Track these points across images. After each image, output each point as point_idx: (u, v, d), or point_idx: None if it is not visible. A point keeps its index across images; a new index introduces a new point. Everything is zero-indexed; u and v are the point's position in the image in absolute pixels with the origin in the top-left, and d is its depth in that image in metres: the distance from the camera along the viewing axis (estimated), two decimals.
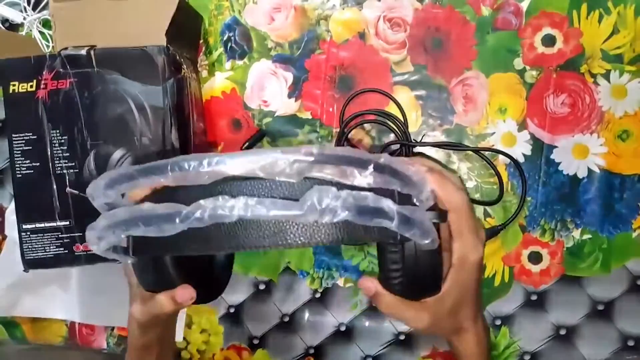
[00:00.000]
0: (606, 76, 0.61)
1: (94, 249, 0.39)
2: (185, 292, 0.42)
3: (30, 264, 0.58)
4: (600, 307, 0.62)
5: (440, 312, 0.43)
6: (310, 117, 0.65)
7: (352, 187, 0.34)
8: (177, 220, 0.33)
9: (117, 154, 0.56)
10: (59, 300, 0.70)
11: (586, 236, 0.62)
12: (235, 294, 0.68)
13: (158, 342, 0.51)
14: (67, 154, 0.57)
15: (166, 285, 0.42)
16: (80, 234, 0.57)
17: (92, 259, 0.57)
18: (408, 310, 0.42)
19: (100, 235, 0.38)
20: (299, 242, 0.34)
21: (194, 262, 0.40)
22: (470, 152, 0.63)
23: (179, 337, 0.68)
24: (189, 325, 0.69)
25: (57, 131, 0.56)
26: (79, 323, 0.71)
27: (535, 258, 0.63)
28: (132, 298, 0.48)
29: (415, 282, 0.40)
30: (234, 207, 0.32)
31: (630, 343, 0.62)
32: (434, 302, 0.42)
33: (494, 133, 0.63)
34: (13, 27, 0.71)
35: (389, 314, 0.43)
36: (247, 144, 0.65)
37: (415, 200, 0.37)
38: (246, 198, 0.33)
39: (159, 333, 0.50)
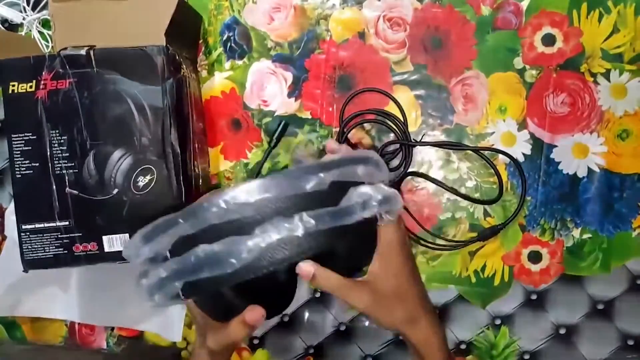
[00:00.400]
0: (606, 75, 0.61)
1: (152, 304, 0.41)
2: (254, 313, 0.43)
3: (30, 264, 0.58)
4: (600, 307, 0.62)
5: (381, 292, 0.45)
6: (310, 116, 0.65)
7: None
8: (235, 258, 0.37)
9: (117, 154, 0.56)
10: (59, 300, 0.70)
11: (586, 235, 0.62)
12: None
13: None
14: (67, 154, 0.56)
15: (233, 311, 0.43)
16: (80, 234, 0.57)
17: (92, 259, 0.57)
18: (350, 289, 0.43)
19: (160, 287, 0.39)
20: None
21: (253, 283, 0.41)
22: (470, 152, 0.63)
23: (177, 337, 0.68)
24: (189, 325, 0.69)
25: (57, 131, 0.56)
26: (79, 323, 0.71)
27: (535, 257, 0.63)
28: (200, 330, 0.49)
29: (353, 253, 0.43)
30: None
31: (630, 342, 0.62)
32: (371, 282, 0.44)
33: (493, 132, 0.62)
34: (12, 27, 0.71)
35: (331, 292, 0.43)
36: (274, 141, 0.65)
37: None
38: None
39: (228, 358, 0.52)
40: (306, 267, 0.40)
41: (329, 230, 0.37)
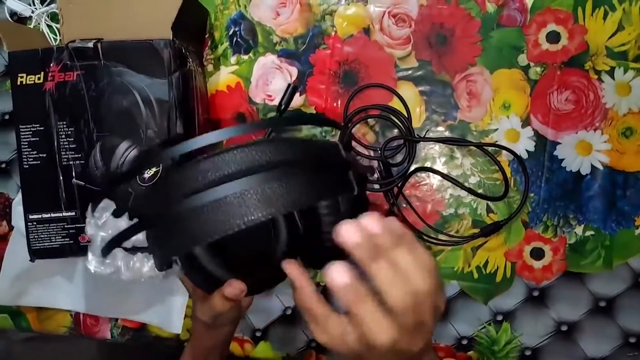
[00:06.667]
0: (610, 73, 0.61)
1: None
2: (233, 287, 0.42)
3: (36, 253, 0.58)
4: (602, 304, 0.62)
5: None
6: (314, 111, 0.66)
7: None
8: None
9: (123, 145, 0.57)
10: (64, 290, 0.70)
11: (589, 233, 0.62)
12: None
13: (223, 343, 0.53)
14: (74, 146, 0.57)
15: (216, 281, 0.43)
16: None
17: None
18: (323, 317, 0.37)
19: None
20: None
21: (238, 256, 0.40)
22: (473, 148, 0.63)
23: (177, 329, 0.68)
24: (191, 317, 0.69)
25: (64, 123, 0.57)
26: (84, 313, 0.72)
27: (538, 254, 0.63)
28: (193, 302, 0.49)
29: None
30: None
31: (632, 340, 0.62)
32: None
33: (497, 129, 0.63)
34: (21, 20, 0.71)
35: (300, 307, 0.38)
36: (283, 106, 0.63)
37: None
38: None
39: (225, 334, 0.52)
40: (291, 266, 0.37)
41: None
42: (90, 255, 0.39)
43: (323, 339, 0.36)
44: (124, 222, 0.41)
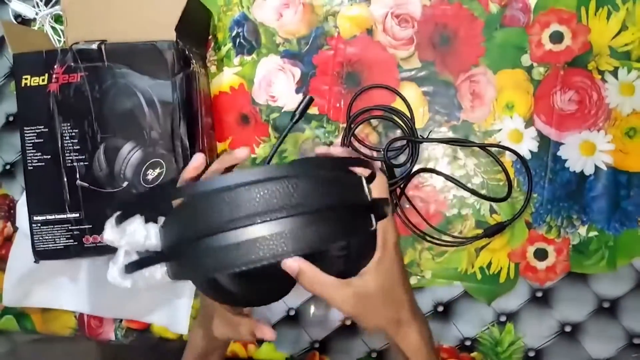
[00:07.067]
0: (614, 73, 0.60)
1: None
2: (267, 332, 0.45)
3: (40, 254, 0.59)
4: (606, 305, 0.62)
5: (368, 295, 0.42)
6: (317, 112, 0.66)
7: None
8: None
9: (127, 147, 0.57)
10: (69, 291, 0.71)
11: (592, 233, 0.62)
12: None
13: (223, 346, 0.55)
14: (78, 147, 0.57)
15: (230, 296, 0.44)
16: (90, 226, 0.58)
17: (101, 250, 0.58)
18: (334, 288, 0.41)
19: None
20: None
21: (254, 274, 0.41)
22: (476, 149, 0.63)
23: (184, 330, 0.68)
24: (195, 317, 0.69)
25: (68, 124, 0.57)
26: (88, 314, 0.72)
27: (541, 255, 0.63)
28: (205, 313, 0.50)
29: (356, 260, 0.41)
30: None
31: (636, 341, 0.62)
32: (361, 284, 0.41)
33: (500, 129, 0.63)
34: (26, 22, 0.72)
35: (313, 291, 0.40)
36: (297, 114, 0.60)
37: None
38: None
39: (224, 344, 0.54)
40: (291, 263, 0.38)
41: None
42: (111, 265, 0.39)
43: (347, 308, 0.41)
44: (144, 237, 0.41)
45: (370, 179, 0.41)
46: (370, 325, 0.44)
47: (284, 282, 0.48)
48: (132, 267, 0.38)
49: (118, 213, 0.39)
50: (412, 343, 0.44)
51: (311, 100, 0.60)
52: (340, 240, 0.40)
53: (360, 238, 0.41)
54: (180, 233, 0.37)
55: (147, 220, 0.39)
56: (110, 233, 0.39)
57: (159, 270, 0.39)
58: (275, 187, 0.34)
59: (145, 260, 0.38)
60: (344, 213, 0.37)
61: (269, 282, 0.46)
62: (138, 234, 0.38)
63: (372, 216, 0.39)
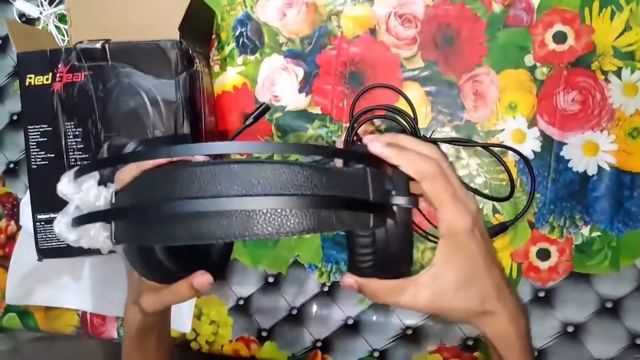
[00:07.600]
0: (617, 73, 0.60)
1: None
2: (203, 279, 0.41)
3: (44, 253, 0.59)
4: (609, 305, 0.62)
5: (441, 288, 0.39)
6: (320, 112, 0.66)
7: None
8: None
9: (130, 146, 0.57)
10: (72, 290, 0.71)
11: (595, 233, 0.62)
12: (245, 287, 0.69)
13: (160, 322, 0.52)
14: (82, 146, 0.58)
15: (163, 272, 0.42)
16: None
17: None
18: (401, 293, 0.38)
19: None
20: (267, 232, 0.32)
21: (190, 248, 0.39)
22: (479, 149, 0.63)
23: (187, 328, 0.68)
24: (198, 316, 0.69)
25: (72, 123, 0.58)
26: (91, 313, 0.72)
27: (544, 255, 0.63)
28: (135, 290, 0.47)
29: (387, 260, 0.38)
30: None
31: (639, 341, 0.62)
32: (430, 278, 0.38)
33: (503, 129, 0.63)
34: (30, 21, 0.72)
35: (380, 302, 0.39)
36: (251, 118, 0.63)
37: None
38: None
39: (160, 317, 0.50)
40: (348, 280, 0.38)
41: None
42: (60, 217, 0.38)
43: (421, 307, 0.39)
44: (94, 197, 0.39)
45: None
46: (455, 318, 0.40)
47: (218, 267, 0.47)
48: (80, 221, 0.36)
49: (76, 168, 0.38)
50: (497, 332, 0.40)
51: (268, 108, 0.64)
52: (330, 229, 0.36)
53: (382, 232, 0.38)
54: (146, 195, 0.35)
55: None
56: (66, 186, 0.38)
57: (102, 233, 0.38)
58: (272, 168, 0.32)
59: (94, 215, 0.36)
60: (338, 203, 0.34)
61: (205, 263, 0.44)
62: (91, 193, 0.38)
63: (371, 215, 0.36)
